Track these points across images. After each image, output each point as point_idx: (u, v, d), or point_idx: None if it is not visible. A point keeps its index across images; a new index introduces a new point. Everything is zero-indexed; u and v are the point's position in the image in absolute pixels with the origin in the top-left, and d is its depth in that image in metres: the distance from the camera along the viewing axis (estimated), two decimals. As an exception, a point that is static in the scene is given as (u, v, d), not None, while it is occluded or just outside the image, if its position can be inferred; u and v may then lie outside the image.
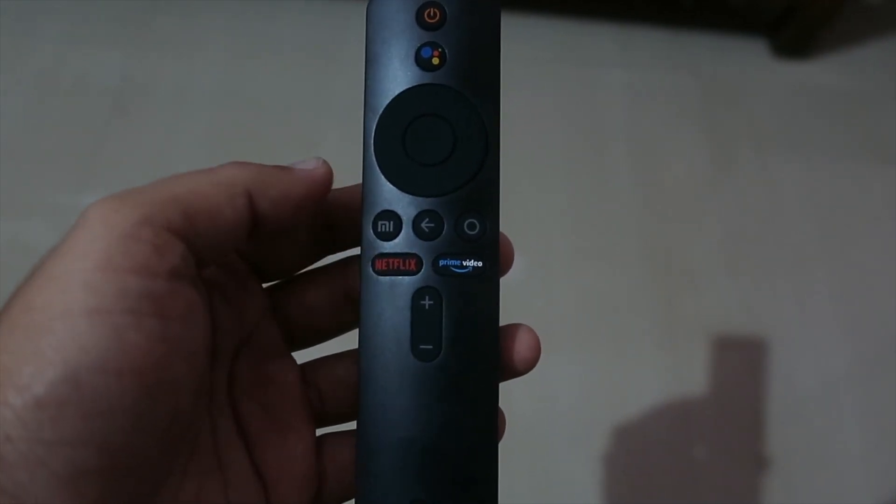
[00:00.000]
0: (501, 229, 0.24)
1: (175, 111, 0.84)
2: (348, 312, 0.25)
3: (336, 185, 0.24)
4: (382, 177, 0.23)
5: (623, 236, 0.79)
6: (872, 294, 0.78)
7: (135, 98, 0.84)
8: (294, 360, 0.25)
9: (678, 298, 0.76)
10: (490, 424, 0.23)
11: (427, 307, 0.23)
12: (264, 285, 0.25)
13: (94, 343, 0.17)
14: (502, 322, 0.24)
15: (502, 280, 0.23)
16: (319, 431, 0.25)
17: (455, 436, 0.22)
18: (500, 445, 0.23)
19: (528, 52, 0.92)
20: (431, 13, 0.24)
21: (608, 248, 0.79)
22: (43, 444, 0.16)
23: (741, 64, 0.94)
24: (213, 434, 0.22)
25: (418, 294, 0.23)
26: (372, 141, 0.23)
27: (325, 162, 0.23)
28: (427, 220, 0.23)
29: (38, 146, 0.80)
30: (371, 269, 0.23)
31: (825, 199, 0.84)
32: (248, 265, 0.24)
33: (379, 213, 0.23)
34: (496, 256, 0.23)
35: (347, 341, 0.25)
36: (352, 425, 0.24)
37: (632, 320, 0.74)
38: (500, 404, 0.23)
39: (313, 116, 0.83)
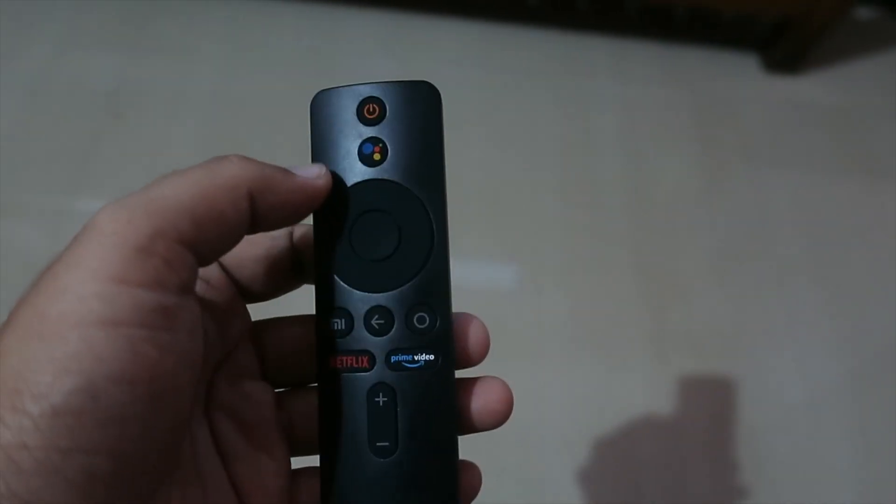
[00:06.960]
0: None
1: (170, 115, 0.84)
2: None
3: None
4: (332, 274, 0.23)
5: (614, 248, 0.80)
6: (862, 308, 0.79)
7: (130, 101, 0.84)
8: (269, 384, 0.25)
9: (668, 310, 0.76)
10: None
11: (381, 404, 0.23)
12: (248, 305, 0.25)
13: (109, 354, 0.17)
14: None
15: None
16: (295, 464, 0.25)
17: None
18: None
19: (522, 64, 0.93)
20: (371, 109, 0.24)
21: (599, 259, 0.79)
22: (59, 452, 0.16)
23: (733, 78, 0.95)
24: (193, 445, 0.22)
25: (372, 391, 0.23)
26: (320, 238, 0.24)
27: (327, 171, 0.23)
28: (377, 316, 0.23)
29: (33, 148, 0.80)
30: (326, 366, 0.23)
31: (815, 214, 0.85)
32: (235, 286, 0.25)
33: (331, 311, 0.23)
34: (449, 348, 0.23)
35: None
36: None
37: (622, 331, 0.75)
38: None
39: (307, 121, 0.83)
